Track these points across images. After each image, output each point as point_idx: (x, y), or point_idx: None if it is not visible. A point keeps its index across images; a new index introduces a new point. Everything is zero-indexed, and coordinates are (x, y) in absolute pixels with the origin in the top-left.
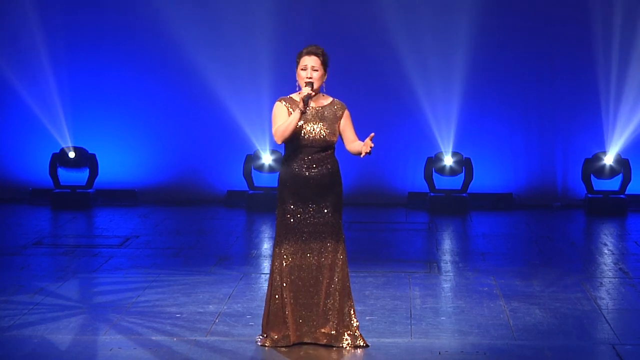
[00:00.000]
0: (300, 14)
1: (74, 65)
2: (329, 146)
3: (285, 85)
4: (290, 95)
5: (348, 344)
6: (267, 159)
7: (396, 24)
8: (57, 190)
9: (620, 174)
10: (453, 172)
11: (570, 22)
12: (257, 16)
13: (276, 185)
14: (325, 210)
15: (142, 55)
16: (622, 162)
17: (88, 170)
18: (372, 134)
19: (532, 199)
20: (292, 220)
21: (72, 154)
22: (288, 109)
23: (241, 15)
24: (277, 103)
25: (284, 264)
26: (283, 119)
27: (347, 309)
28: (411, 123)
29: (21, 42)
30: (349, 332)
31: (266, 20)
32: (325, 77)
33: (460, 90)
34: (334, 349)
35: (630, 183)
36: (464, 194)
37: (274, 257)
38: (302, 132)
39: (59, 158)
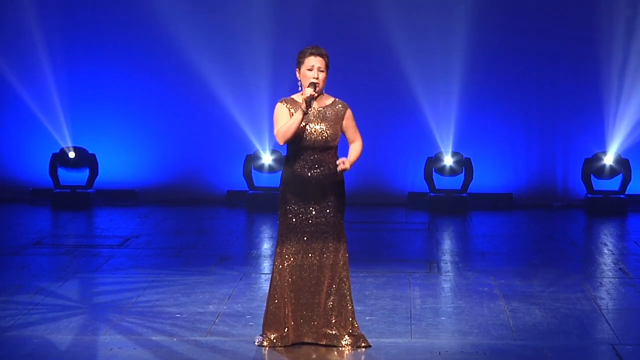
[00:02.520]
0: (300, 14)
1: (74, 65)
2: (331, 146)
3: (285, 85)
4: (292, 96)
5: (349, 344)
6: (267, 159)
7: (396, 24)
8: (57, 190)
9: (620, 174)
10: (453, 172)
11: (571, 22)
12: (257, 16)
13: (276, 185)
14: (328, 210)
15: (142, 55)
16: (622, 162)
17: (88, 170)
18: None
19: (532, 199)
20: (294, 220)
21: (72, 154)
22: (289, 110)
23: (241, 15)
24: (279, 104)
25: (285, 263)
26: (285, 120)
27: (348, 309)
28: (411, 123)
29: (21, 42)
30: (350, 332)
31: (266, 20)
32: (326, 78)
33: (460, 90)
34: (335, 349)
35: (630, 183)
36: (464, 194)
37: (275, 256)
38: (305, 132)
39: (59, 158)
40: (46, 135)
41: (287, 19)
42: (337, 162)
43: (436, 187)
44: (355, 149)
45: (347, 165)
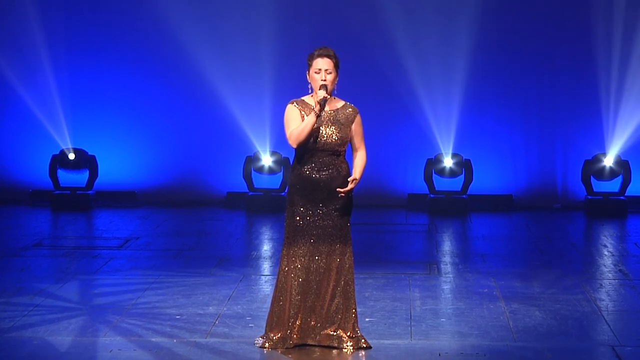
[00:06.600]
0: (301, 16)
1: (74, 66)
2: (341, 150)
3: (286, 86)
4: (302, 98)
5: (351, 346)
6: (267, 160)
7: (397, 26)
8: (57, 192)
9: (620, 176)
10: (453, 173)
11: (570, 23)
12: (258, 17)
13: (276, 187)
14: (335, 213)
15: (142, 57)
16: (622, 164)
17: (88, 171)
18: (352, 183)
19: (532, 201)
20: (301, 222)
21: (72, 156)
22: (300, 112)
23: (242, 16)
24: (289, 106)
25: (292, 265)
26: (296, 122)
27: (351, 311)
28: (411, 124)
29: (21, 42)
30: (352, 334)
31: (267, 21)
32: (337, 79)
33: (460, 91)
34: (336, 350)
35: (630, 184)
36: (464, 196)
37: (281, 258)
38: (316, 135)
39: (59, 159)
40: (46, 137)
41: (288, 20)
42: (342, 190)
43: (436, 189)
44: (359, 163)
45: (352, 186)
